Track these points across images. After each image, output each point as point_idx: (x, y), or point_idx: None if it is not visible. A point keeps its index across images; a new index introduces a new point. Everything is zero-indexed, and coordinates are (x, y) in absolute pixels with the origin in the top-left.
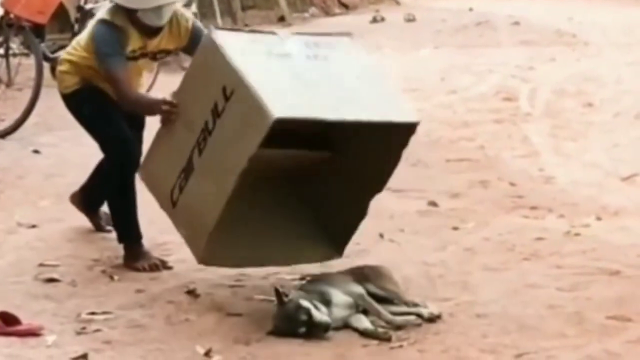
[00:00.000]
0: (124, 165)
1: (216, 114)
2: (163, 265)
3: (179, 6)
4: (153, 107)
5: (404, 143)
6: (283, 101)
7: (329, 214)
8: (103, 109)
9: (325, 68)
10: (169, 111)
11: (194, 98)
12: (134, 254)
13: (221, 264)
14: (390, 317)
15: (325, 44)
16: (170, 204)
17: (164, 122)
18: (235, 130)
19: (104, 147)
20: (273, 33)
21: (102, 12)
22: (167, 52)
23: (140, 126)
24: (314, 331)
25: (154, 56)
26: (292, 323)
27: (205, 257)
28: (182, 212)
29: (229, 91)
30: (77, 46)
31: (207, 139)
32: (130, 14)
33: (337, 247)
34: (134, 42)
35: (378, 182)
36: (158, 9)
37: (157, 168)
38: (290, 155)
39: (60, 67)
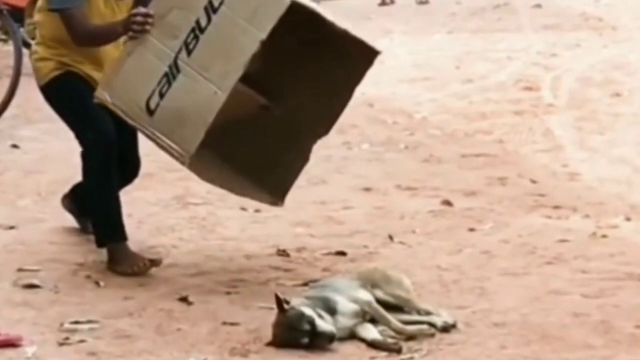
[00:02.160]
0: (98, 151)
1: (212, 9)
2: (152, 264)
3: None
4: (120, 26)
5: (356, 80)
6: None
7: (271, 159)
8: (81, 96)
9: None
10: (143, 22)
11: (177, 3)
12: (117, 256)
13: (206, 175)
14: (400, 326)
15: None
16: (146, 114)
17: (135, 36)
18: (240, 21)
19: (78, 134)
20: None
21: None
22: None
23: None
24: (318, 341)
25: None
26: (293, 333)
27: (194, 161)
28: (165, 116)
29: None
30: (46, 21)
31: (198, 38)
32: None
33: (279, 193)
34: None
35: (323, 126)
36: None
37: (125, 85)
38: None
39: (34, 56)
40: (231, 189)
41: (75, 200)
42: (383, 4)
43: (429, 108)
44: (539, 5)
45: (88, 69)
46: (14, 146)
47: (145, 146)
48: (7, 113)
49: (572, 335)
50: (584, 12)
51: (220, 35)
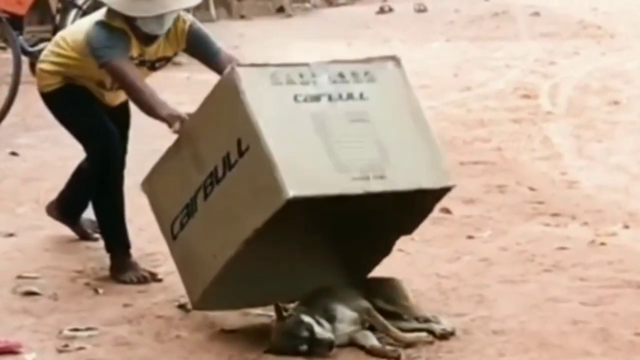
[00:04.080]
0: (107, 161)
1: (227, 164)
2: (152, 278)
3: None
4: (165, 113)
5: (438, 198)
6: (301, 173)
7: (349, 250)
8: (85, 105)
9: (355, 117)
10: (179, 132)
11: (208, 134)
12: (121, 265)
13: (219, 309)
14: (399, 333)
15: (363, 75)
16: (170, 235)
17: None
18: (245, 193)
19: (85, 143)
20: (305, 64)
21: (98, 14)
22: (167, 59)
23: (125, 125)
24: (317, 349)
25: (152, 65)
26: (292, 340)
27: (201, 305)
28: (181, 249)
29: (244, 146)
30: (64, 44)
31: (214, 186)
32: (128, 20)
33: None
34: (133, 49)
35: (408, 227)
36: (160, 17)
37: (162, 189)
38: None
39: (42, 65)
40: (275, 299)
41: (64, 210)
42: (381, 12)
43: (428, 116)
44: (537, 13)
45: (92, 87)
46: (13, 154)
47: (145, 151)
48: (6, 121)
49: (570, 343)
50: (582, 20)
51: (229, 197)
